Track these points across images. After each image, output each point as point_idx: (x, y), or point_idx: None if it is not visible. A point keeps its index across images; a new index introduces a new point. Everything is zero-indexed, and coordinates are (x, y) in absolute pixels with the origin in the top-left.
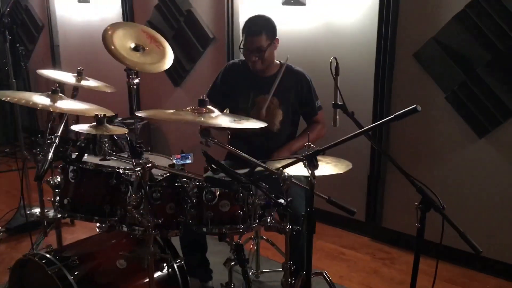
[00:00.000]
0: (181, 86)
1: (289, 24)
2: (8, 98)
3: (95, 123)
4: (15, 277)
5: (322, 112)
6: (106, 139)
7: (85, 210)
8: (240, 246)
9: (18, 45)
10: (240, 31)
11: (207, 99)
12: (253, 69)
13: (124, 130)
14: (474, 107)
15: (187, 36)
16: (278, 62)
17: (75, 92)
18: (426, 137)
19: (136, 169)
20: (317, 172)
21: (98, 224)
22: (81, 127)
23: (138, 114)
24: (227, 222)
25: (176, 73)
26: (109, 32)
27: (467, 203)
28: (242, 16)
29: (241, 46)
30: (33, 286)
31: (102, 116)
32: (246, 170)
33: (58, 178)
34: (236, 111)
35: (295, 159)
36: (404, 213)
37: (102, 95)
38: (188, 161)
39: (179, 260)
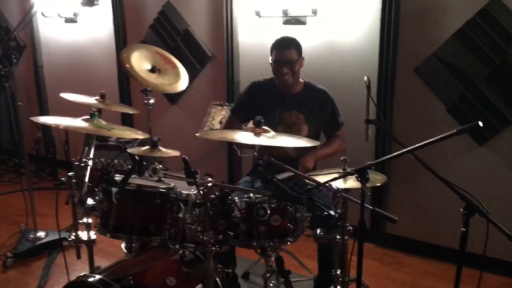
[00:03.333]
0: (177, 104)
1: None
2: (54, 125)
3: (149, 146)
4: None
5: (343, 128)
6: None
7: (129, 230)
8: (281, 259)
9: (0, 66)
10: (240, 51)
11: (262, 120)
12: (282, 83)
13: (177, 152)
14: (474, 117)
15: (184, 54)
16: (302, 80)
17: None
18: (429, 146)
19: (200, 189)
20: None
21: (123, 245)
22: (137, 150)
23: (197, 135)
24: (277, 236)
25: None
26: (124, 55)
27: None
28: (242, 35)
29: (272, 61)
30: None
31: (157, 139)
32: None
33: (90, 200)
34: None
35: (344, 173)
36: (406, 219)
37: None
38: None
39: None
